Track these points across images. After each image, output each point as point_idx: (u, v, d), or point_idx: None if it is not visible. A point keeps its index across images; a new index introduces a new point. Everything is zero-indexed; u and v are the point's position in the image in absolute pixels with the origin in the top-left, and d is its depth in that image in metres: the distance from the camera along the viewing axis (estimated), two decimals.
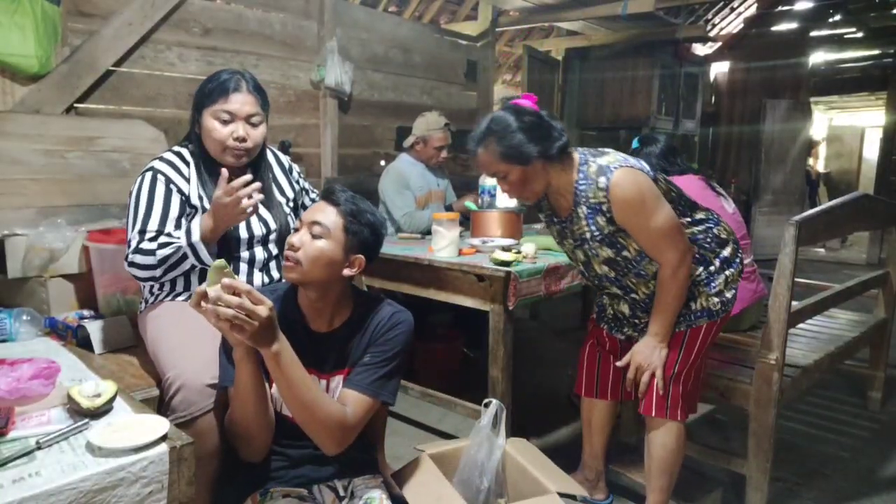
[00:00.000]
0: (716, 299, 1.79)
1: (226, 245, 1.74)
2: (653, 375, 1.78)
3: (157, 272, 1.63)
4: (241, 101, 1.69)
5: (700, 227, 1.82)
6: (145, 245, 1.62)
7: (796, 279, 1.95)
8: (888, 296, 2.89)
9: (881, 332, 2.87)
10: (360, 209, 1.41)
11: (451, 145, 3.34)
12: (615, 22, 6.05)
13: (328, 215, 1.39)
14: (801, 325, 2.54)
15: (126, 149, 2.71)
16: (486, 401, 1.79)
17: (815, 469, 2.41)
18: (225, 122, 1.69)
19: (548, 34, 7.50)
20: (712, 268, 1.81)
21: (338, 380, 1.46)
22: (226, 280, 1.18)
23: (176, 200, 1.70)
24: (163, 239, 1.63)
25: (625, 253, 1.77)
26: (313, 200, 2.16)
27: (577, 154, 1.75)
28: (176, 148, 1.82)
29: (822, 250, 7.93)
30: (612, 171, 1.66)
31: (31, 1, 2.42)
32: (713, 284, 1.80)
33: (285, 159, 2.01)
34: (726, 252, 1.83)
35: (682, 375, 1.80)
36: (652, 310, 1.79)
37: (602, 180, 1.67)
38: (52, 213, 2.41)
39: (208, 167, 1.75)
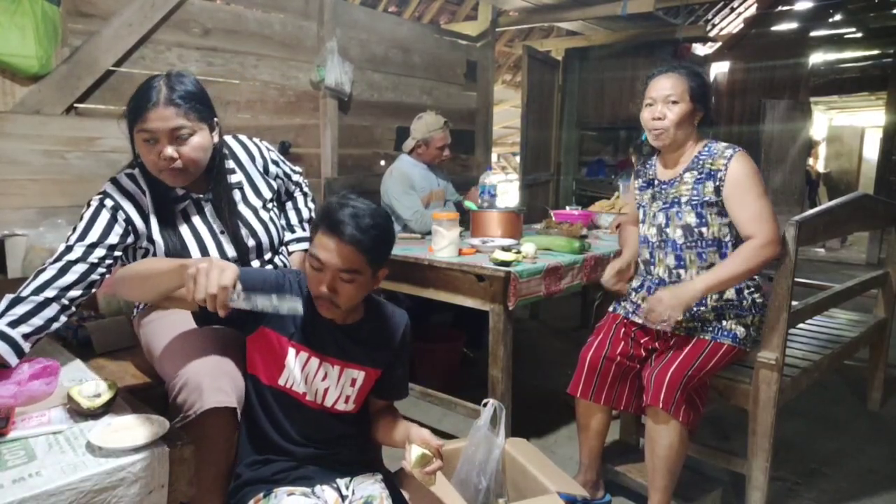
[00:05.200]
0: (742, 329, 1.92)
1: None
2: (666, 367, 1.82)
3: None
4: (157, 118, 1.47)
5: None
6: (32, 278, 1.45)
7: (796, 279, 1.95)
8: (888, 296, 2.88)
9: (881, 332, 2.87)
10: (374, 232, 1.34)
11: (451, 144, 3.34)
12: (615, 22, 6.05)
13: (352, 260, 1.33)
14: (801, 325, 2.54)
15: (126, 149, 2.67)
16: (484, 401, 1.79)
17: (815, 468, 2.41)
18: (150, 143, 1.50)
19: (548, 34, 7.51)
20: (745, 300, 1.95)
21: (355, 373, 1.50)
22: None
23: (114, 238, 1.54)
24: (25, 300, 1.40)
25: (703, 229, 1.93)
26: (297, 184, 2.02)
27: (706, 139, 2.01)
28: (130, 171, 1.64)
29: (822, 250, 7.93)
30: (739, 149, 1.91)
31: (32, 1, 2.43)
32: (743, 316, 1.93)
33: (257, 150, 1.81)
34: (758, 298, 1.98)
35: (693, 380, 1.82)
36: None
37: (729, 152, 1.90)
38: (52, 213, 2.41)
39: (158, 191, 1.61)
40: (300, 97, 3.77)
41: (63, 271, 1.46)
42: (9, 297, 1.41)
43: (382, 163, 4.29)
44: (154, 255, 1.62)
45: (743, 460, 2.01)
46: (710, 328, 1.91)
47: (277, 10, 3.58)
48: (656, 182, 2.06)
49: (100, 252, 1.51)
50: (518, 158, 7.45)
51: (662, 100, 1.92)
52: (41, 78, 2.57)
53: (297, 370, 1.45)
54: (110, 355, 1.90)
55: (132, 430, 1.10)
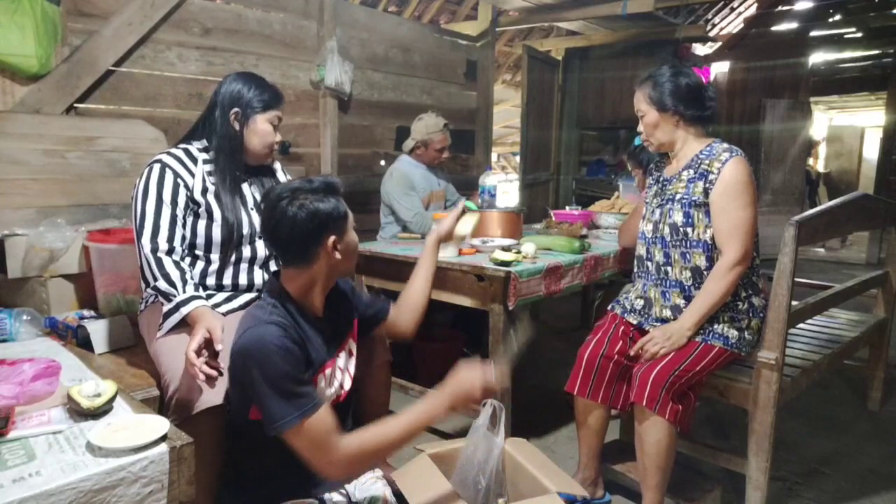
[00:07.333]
0: (735, 332, 1.93)
1: (229, 242, 1.77)
2: (653, 366, 1.82)
3: (150, 283, 1.70)
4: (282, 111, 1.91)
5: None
6: (151, 259, 1.67)
7: (796, 279, 1.95)
8: (888, 296, 2.88)
9: (881, 332, 2.87)
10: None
11: (451, 144, 3.34)
12: (615, 22, 6.05)
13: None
14: (801, 325, 2.54)
15: (126, 149, 2.71)
16: (483, 400, 1.79)
17: (814, 468, 2.41)
18: (274, 128, 1.87)
19: (548, 34, 7.51)
20: (740, 303, 1.95)
21: (350, 344, 1.57)
22: None
23: (182, 196, 1.74)
24: (171, 270, 1.66)
25: (688, 229, 1.94)
26: None
27: (713, 138, 1.99)
28: (182, 145, 1.84)
29: (822, 250, 7.93)
30: (738, 154, 1.90)
31: (31, 1, 2.42)
32: (738, 319, 1.94)
33: (278, 164, 2.09)
34: (756, 301, 1.98)
35: (681, 378, 1.82)
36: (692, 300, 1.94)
37: (725, 155, 1.90)
38: (52, 213, 2.41)
39: (234, 167, 1.83)
40: (300, 97, 3.77)
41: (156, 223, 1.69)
42: (170, 276, 1.66)
43: (382, 163, 4.29)
44: (206, 210, 1.78)
45: (743, 460, 2.01)
46: (702, 330, 1.92)
47: (277, 9, 3.58)
48: (662, 178, 2.08)
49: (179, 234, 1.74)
50: (518, 158, 7.45)
51: (637, 114, 2.04)
52: (41, 77, 2.57)
53: (326, 387, 1.45)
54: (110, 355, 1.90)
55: (132, 429, 1.10)
